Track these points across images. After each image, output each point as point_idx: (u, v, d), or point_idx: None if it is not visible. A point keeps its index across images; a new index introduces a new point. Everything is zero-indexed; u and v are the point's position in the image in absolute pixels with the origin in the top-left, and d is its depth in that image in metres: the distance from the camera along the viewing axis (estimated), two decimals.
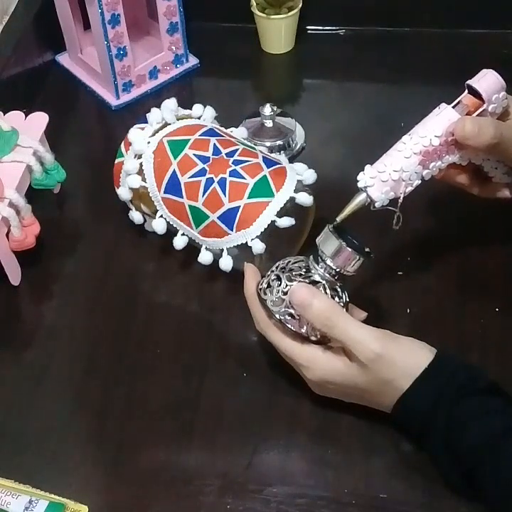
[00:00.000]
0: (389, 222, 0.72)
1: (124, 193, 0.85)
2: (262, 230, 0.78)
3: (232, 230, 0.79)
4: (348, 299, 0.72)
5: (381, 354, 0.66)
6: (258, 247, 0.78)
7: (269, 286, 0.72)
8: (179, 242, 0.83)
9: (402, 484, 0.69)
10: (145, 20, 1.13)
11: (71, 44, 1.12)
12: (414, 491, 0.69)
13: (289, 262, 0.73)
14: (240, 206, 0.79)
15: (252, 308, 0.73)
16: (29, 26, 1.09)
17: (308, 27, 1.15)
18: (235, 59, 1.14)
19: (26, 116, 0.90)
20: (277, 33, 1.12)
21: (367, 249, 0.72)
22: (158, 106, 0.86)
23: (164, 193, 0.82)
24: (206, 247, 0.82)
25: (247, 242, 0.79)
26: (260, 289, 0.72)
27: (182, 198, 0.81)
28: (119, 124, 1.04)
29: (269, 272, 0.73)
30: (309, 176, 0.81)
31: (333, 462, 0.71)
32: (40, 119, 0.90)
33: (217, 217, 0.79)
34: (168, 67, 1.11)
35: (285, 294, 0.70)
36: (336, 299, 0.71)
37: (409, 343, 0.69)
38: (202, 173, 0.81)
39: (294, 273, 0.71)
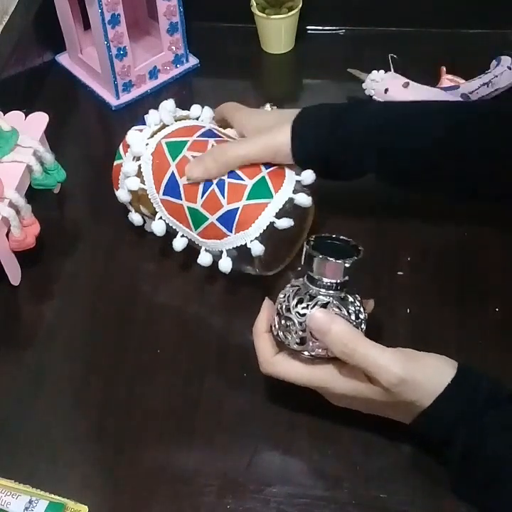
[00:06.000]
0: (388, 223, 0.72)
1: (123, 195, 0.85)
2: (261, 232, 0.78)
3: (231, 232, 0.79)
4: (360, 299, 0.71)
5: (404, 378, 0.64)
6: (257, 248, 0.78)
7: (285, 328, 0.70)
8: (178, 244, 0.83)
9: (402, 484, 0.69)
10: (145, 20, 1.13)
11: (71, 44, 1.12)
12: (414, 491, 0.69)
13: (289, 296, 0.71)
14: (238, 207, 0.79)
15: (258, 348, 0.72)
16: (29, 26, 1.09)
17: (308, 27, 1.15)
18: (235, 59, 1.14)
19: (26, 116, 0.90)
20: (277, 33, 1.12)
21: (353, 244, 0.71)
22: (158, 106, 0.86)
23: (163, 194, 0.82)
24: (205, 249, 0.82)
25: (246, 244, 0.79)
26: (277, 335, 0.70)
27: (181, 199, 0.81)
28: (119, 124, 1.04)
29: (276, 318, 0.71)
30: (308, 176, 0.81)
31: (333, 462, 0.71)
32: (40, 119, 0.90)
33: (217, 219, 0.79)
34: (168, 67, 1.11)
35: (304, 331, 0.68)
36: (350, 307, 0.69)
37: (431, 361, 0.67)
38: None
39: (301, 307, 0.69)
